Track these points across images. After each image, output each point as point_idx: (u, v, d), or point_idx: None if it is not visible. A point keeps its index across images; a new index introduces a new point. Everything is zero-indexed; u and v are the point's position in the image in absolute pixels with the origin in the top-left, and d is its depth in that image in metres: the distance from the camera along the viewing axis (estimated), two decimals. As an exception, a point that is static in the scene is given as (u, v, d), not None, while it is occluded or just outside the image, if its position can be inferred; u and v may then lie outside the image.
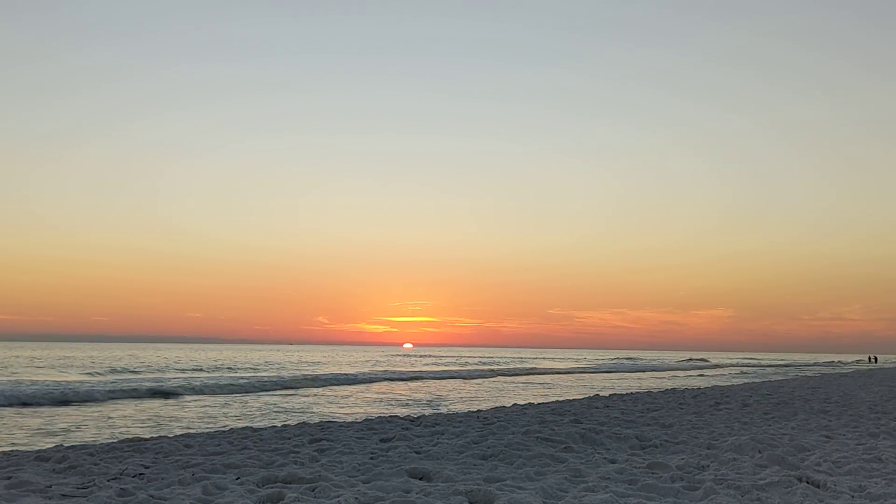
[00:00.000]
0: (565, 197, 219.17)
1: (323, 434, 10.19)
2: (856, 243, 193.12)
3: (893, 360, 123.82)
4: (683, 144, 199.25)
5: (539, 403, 16.24)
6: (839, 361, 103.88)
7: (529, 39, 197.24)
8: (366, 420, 12.63)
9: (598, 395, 20.14)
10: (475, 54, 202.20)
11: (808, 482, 6.43)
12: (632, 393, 20.61)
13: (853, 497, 5.94)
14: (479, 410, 15.14)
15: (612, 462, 7.74)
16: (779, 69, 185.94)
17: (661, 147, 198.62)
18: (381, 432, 10.37)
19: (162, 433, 12.10)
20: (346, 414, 16.41)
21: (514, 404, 16.04)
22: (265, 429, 11.39)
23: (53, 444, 10.41)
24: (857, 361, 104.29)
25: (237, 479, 6.69)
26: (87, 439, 11.44)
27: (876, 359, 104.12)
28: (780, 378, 36.62)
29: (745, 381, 34.02)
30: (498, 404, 17.95)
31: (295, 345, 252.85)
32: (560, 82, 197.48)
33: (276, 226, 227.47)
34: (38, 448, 9.85)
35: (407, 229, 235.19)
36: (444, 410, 17.01)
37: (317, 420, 13.88)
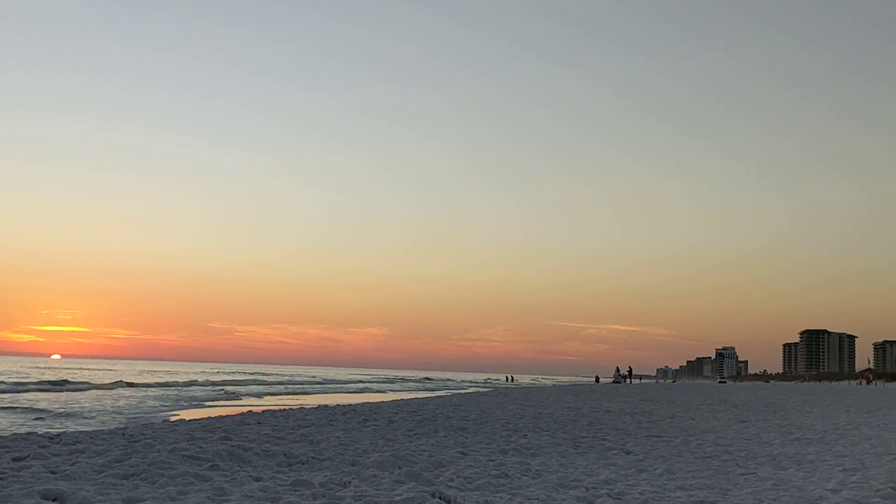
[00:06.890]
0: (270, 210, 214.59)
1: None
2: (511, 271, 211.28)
3: (528, 380, 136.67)
4: (384, 167, 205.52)
5: (190, 420, 15.64)
6: (487, 380, 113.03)
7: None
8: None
9: (251, 411, 19.86)
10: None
11: (440, 497, 6.87)
12: (284, 409, 20.60)
13: (477, 510, 6.45)
14: (125, 427, 14.20)
15: (258, 480, 7.66)
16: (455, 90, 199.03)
17: (363, 168, 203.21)
18: (13, 451, 9.27)
19: None
20: None
21: (164, 421, 15.30)
22: None
23: None
24: (487, 380, 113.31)
25: None
26: None
27: (513, 378, 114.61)
28: (427, 396, 38.85)
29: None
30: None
31: None
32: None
33: None
34: None
35: (61, 235, 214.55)
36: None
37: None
